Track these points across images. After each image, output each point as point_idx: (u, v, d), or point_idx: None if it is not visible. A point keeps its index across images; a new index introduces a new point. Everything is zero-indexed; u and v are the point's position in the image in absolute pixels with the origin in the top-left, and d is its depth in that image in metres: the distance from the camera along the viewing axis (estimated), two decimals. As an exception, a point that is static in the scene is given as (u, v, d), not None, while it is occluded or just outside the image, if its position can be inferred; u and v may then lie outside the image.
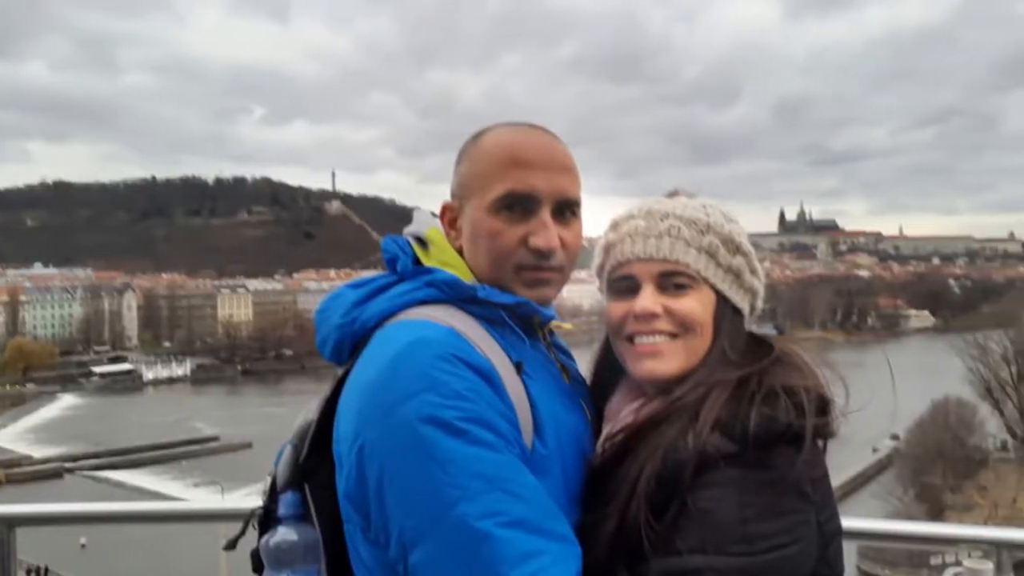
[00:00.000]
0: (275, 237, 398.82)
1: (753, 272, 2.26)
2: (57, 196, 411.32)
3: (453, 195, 2.25)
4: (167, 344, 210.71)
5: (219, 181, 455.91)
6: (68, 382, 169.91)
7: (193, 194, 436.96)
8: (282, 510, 2.09)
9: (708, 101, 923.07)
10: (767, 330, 2.31)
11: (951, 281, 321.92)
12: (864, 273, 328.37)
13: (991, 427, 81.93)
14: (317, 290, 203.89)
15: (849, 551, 2.29)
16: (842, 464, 68.33)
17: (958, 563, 3.32)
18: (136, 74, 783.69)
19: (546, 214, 2.11)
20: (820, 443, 2.05)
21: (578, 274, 2.27)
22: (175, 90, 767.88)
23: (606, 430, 2.17)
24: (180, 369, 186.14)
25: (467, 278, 2.13)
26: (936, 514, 61.98)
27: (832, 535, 2.01)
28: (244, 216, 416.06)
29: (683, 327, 2.14)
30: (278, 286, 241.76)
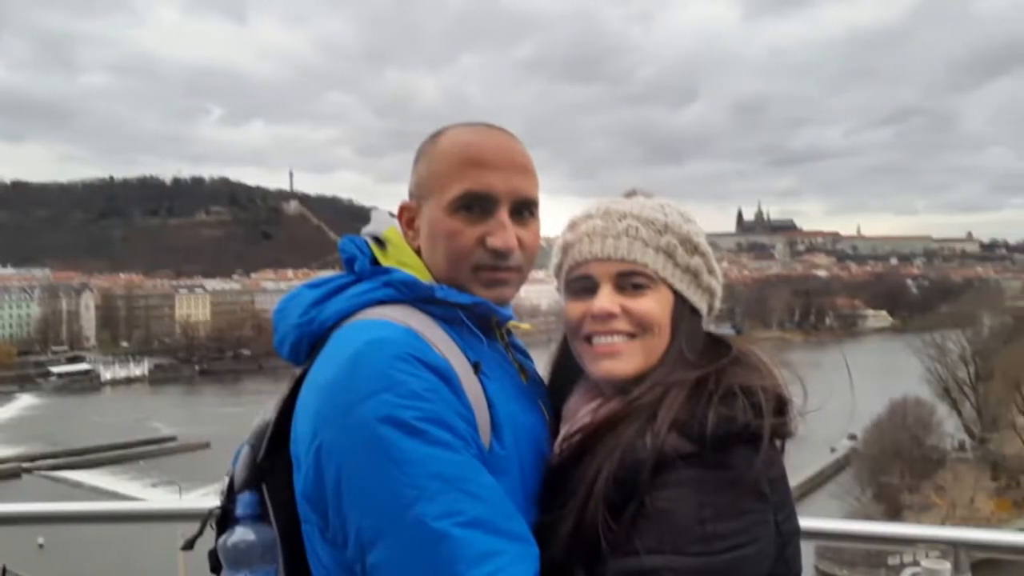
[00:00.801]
0: (233, 237, 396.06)
1: (711, 272, 2.27)
2: (14, 196, 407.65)
3: (411, 195, 2.25)
4: (125, 344, 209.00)
5: (177, 181, 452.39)
6: (26, 382, 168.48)
7: (151, 194, 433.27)
8: (240, 510, 2.09)
9: (666, 101, 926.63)
10: (725, 330, 2.32)
11: (909, 281, 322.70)
12: (822, 273, 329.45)
13: (949, 427, 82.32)
14: (275, 290, 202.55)
15: (807, 551, 2.30)
16: (800, 464, 68.60)
17: (916, 563, 3.34)
18: (93, 74, 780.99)
19: (504, 214, 2.12)
20: (778, 443, 2.07)
21: (536, 274, 2.28)
22: (132, 90, 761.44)
23: (564, 430, 2.17)
24: (138, 369, 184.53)
25: (425, 278, 2.13)
26: (894, 514, 62.24)
27: (790, 535, 2.02)
28: (202, 216, 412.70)
29: (641, 327, 2.15)
30: (236, 286, 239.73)
